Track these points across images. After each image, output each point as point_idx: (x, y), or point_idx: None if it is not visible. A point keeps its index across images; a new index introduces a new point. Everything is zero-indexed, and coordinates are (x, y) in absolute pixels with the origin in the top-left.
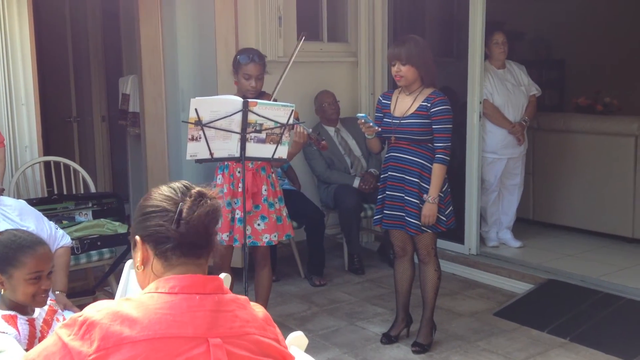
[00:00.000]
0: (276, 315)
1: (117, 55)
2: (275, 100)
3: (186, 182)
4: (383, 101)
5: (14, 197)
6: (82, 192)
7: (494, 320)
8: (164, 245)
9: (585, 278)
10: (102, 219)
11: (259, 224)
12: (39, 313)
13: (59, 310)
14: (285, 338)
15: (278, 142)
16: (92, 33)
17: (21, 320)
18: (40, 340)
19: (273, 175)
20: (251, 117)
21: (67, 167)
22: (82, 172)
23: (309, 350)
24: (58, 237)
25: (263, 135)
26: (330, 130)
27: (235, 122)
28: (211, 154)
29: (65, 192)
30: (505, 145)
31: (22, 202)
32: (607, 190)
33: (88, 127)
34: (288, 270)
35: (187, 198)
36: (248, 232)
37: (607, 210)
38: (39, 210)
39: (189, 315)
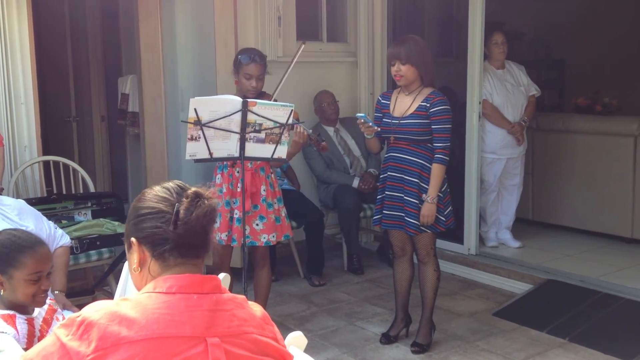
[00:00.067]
0: (275, 315)
1: (116, 55)
2: (275, 100)
3: (180, 182)
4: (382, 101)
5: (13, 197)
6: (81, 191)
7: (493, 321)
8: (161, 247)
9: (584, 278)
10: (101, 219)
11: (257, 224)
12: (38, 312)
13: (59, 310)
14: (285, 338)
15: (277, 142)
16: (92, 33)
17: (20, 319)
18: (39, 340)
19: (272, 175)
20: (250, 117)
21: (66, 166)
22: (82, 171)
23: (308, 350)
24: (57, 237)
25: (262, 135)
26: (330, 130)
27: (235, 122)
28: (210, 153)
29: (64, 192)
30: (505, 146)
31: (21, 202)
32: (606, 191)
33: (87, 126)
34: (287, 270)
35: (184, 199)
36: (247, 232)
37: (606, 210)
38: (38, 209)
39: (187, 314)
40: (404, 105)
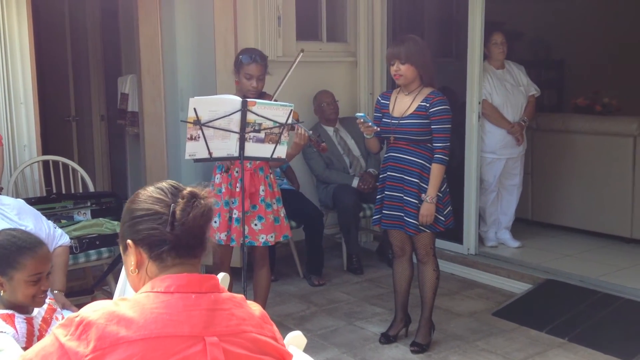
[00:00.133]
0: (275, 315)
1: (116, 55)
2: (275, 101)
3: (173, 182)
4: (382, 101)
5: (12, 196)
6: (80, 191)
7: (492, 320)
8: (159, 249)
9: (584, 278)
10: (100, 218)
11: (255, 224)
12: (37, 312)
13: (58, 309)
14: (284, 338)
15: (277, 142)
16: (91, 32)
17: (19, 318)
18: (39, 339)
19: (271, 175)
20: (250, 117)
21: (65, 166)
22: (81, 171)
23: (307, 350)
24: (57, 237)
25: (262, 134)
26: (329, 130)
27: (234, 122)
28: (210, 153)
29: (63, 191)
30: (504, 146)
31: (21, 201)
32: (605, 191)
33: (87, 126)
34: (287, 270)
35: (179, 199)
36: (245, 232)
37: (605, 210)
38: (38, 209)
39: (185, 314)
40: (403, 105)
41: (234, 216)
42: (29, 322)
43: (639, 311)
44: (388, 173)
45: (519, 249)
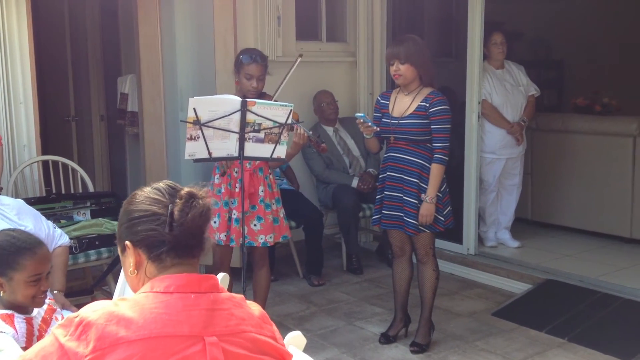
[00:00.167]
0: (274, 315)
1: (115, 55)
2: (275, 101)
3: (170, 182)
4: (382, 101)
5: (12, 196)
6: (80, 191)
7: (492, 320)
8: (157, 249)
9: (583, 278)
10: (100, 218)
11: (255, 225)
12: (37, 312)
13: (58, 309)
14: (284, 338)
15: (277, 141)
16: (91, 32)
17: (18, 318)
18: (38, 339)
19: (270, 176)
20: (250, 117)
21: (65, 166)
22: (81, 171)
23: (307, 350)
24: (56, 237)
25: (261, 134)
26: (329, 130)
27: (234, 122)
28: (209, 153)
29: (63, 192)
30: (504, 146)
31: (20, 201)
32: (605, 191)
33: (86, 126)
34: (286, 270)
35: (177, 200)
36: (245, 232)
37: (605, 210)
38: (37, 209)
39: (185, 314)
40: (403, 105)
41: (234, 216)
42: (29, 322)
43: (638, 311)
44: (388, 173)
45: (518, 249)
